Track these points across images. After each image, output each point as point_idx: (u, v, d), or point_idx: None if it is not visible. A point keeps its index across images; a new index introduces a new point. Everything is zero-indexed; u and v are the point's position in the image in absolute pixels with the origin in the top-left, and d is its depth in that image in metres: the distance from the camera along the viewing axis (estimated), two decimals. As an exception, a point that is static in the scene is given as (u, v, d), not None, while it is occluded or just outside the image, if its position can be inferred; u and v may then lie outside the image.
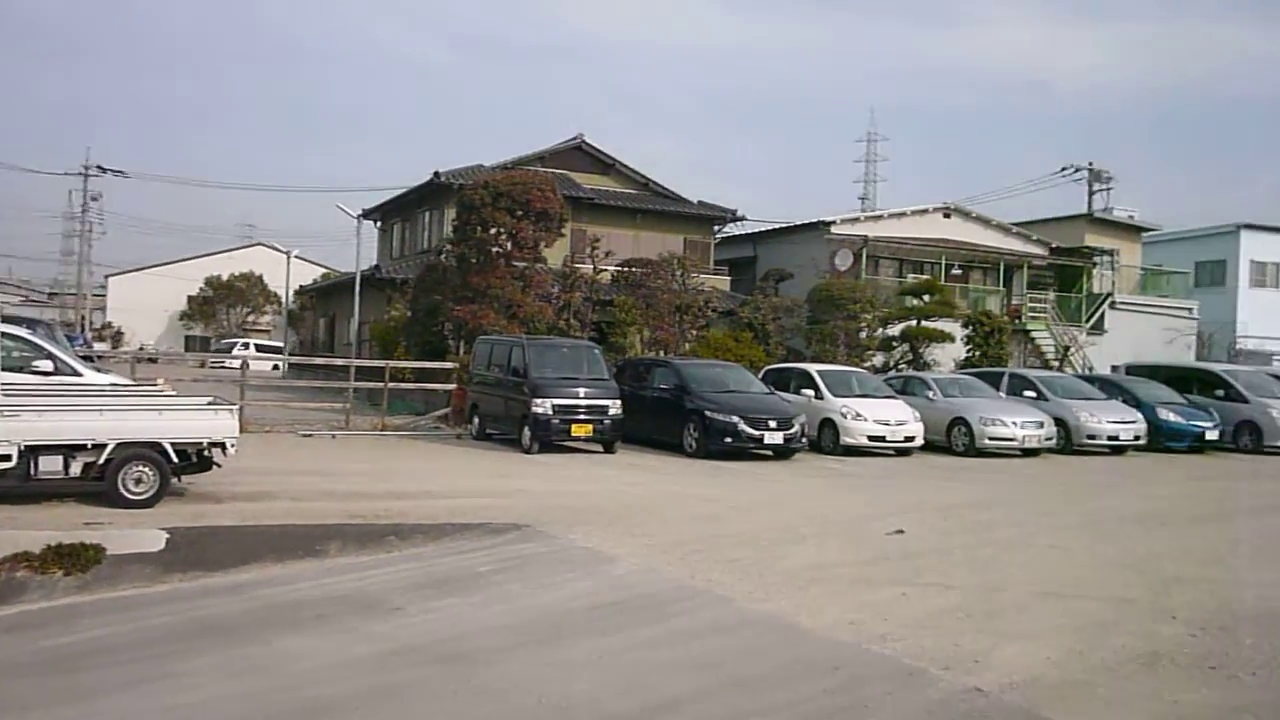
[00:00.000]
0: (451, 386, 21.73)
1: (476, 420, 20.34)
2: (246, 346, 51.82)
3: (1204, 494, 16.14)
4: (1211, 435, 23.62)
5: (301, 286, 50.61)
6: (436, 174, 30.71)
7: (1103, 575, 9.46)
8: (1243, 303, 45.72)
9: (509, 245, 24.07)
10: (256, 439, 17.30)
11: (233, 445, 11.40)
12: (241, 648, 6.51)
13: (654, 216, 33.37)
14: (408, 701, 5.67)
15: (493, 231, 23.82)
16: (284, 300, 54.95)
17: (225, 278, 69.56)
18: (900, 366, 29.65)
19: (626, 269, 28.29)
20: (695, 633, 7.13)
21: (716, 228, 35.87)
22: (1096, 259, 39.53)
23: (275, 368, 42.96)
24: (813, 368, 22.36)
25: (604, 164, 34.56)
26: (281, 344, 53.51)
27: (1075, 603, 8.29)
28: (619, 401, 18.64)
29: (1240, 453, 24.04)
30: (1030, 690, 6.07)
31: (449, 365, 22.46)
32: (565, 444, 18.65)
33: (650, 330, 27.15)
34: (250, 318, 70.03)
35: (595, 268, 27.24)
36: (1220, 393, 25.36)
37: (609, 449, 18.68)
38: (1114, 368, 30.71)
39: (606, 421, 18.43)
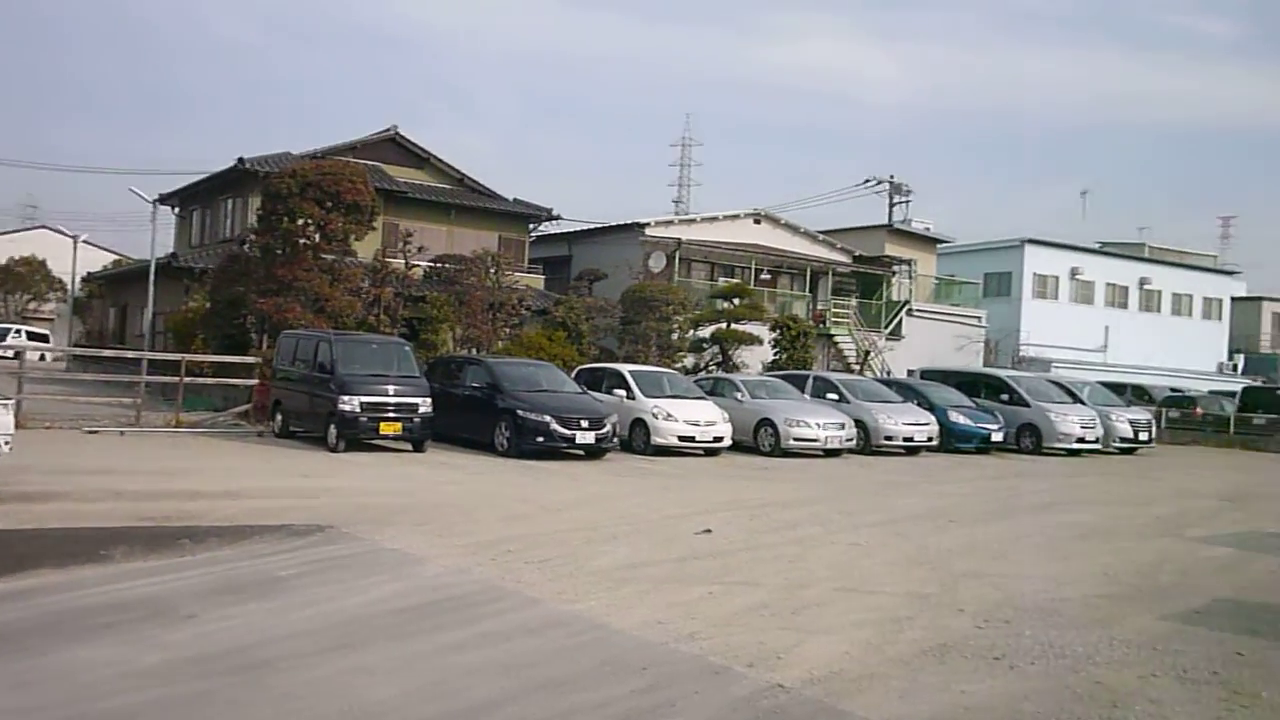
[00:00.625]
0: (253, 382, 20.87)
1: (280, 417, 19.62)
2: (19, 334, 48.35)
3: (990, 493, 17.09)
4: (997, 437, 25.08)
5: (90, 274, 47.71)
6: (241, 160, 29.49)
7: (898, 571, 9.87)
8: (1026, 312, 48.80)
9: (317, 237, 23.35)
10: (36, 436, 16.18)
11: (7, 443, 10.61)
12: (21, 659, 6.05)
13: (469, 213, 32.99)
14: (201, 713, 5.39)
15: (300, 222, 23.05)
16: (70, 287, 51.66)
17: (3, 261, 64.84)
18: (710, 368, 30.29)
19: (440, 265, 27.88)
20: (505, 634, 7.05)
21: (532, 226, 35.78)
22: (896, 268, 41.40)
23: (42, 357, 40.08)
24: (625, 368, 22.57)
25: (419, 157, 33.95)
26: (47, 331, 50.38)
27: (873, 598, 8.62)
28: (429, 399, 18.32)
29: (1022, 453, 25.62)
30: (829, 684, 6.25)
31: (251, 360, 21.57)
32: (373, 442, 18.21)
33: (463, 328, 26.84)
34: (31, 305, 65.53)
35: (407, 263, 26.72)
36: (1005, 397, 26.96)
37: (419, 448, 18.34)
38: (910, 372, 32.23)
39: (416, 420, 18.09)
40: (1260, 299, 63.14)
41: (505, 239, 33.21)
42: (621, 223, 36.52)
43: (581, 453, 18.85)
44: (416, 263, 27.08)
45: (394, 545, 9.81)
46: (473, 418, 19.42)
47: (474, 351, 25.68)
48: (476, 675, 6.16)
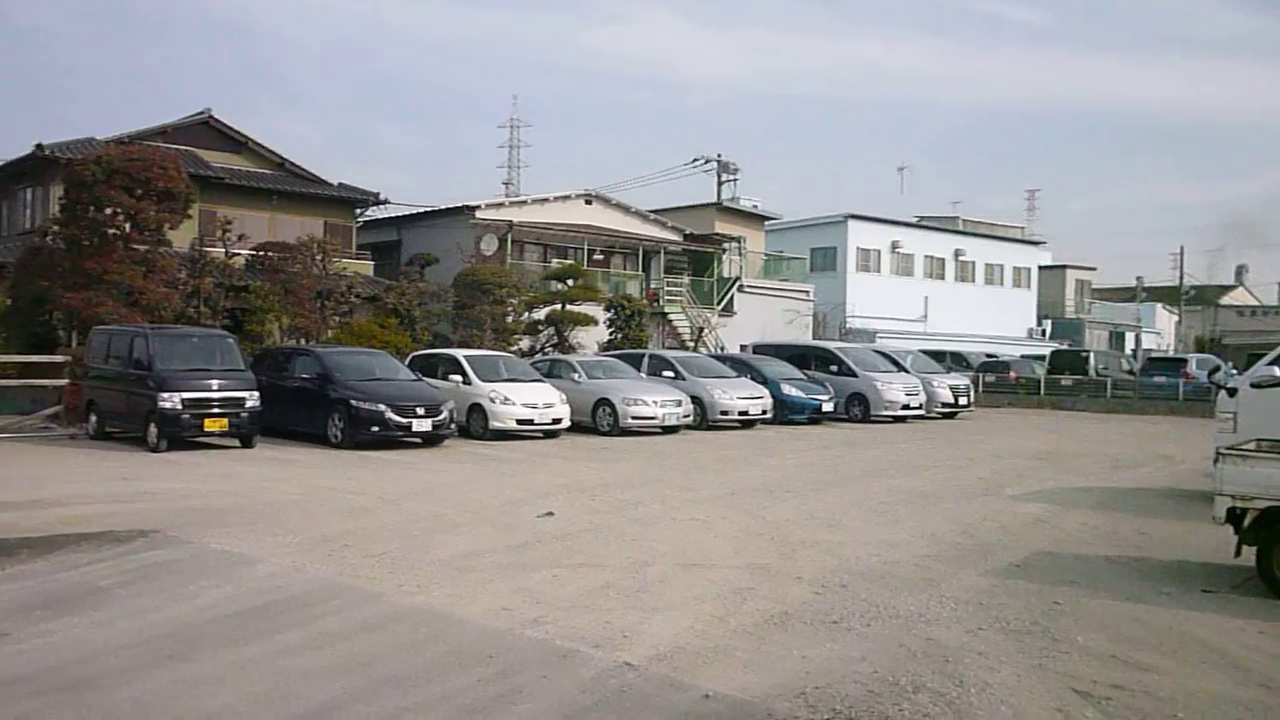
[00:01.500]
0: (64, 382, 19.66)
1: (94, 418, 18.58)
2: None
3: (823, 462, 17.59)
4: (828, 407, 25.84)
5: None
6: (39, 146, 27.68)
7: (739, 544, 10.05)
8: (851, 285, 50.37)
9: (127, 227, 22.11)
10: None
11: None
12: None
13: (292, 199, 31.87)
14: (14, 740, 5.05)
15: (108, 211, 21.78)
16: None
17: None
18: (547, 350, 30.18)
19: (262, 253, 26.83)
20: (345, 633, 6.85)
21: (359, 211, 34.83)
22: (726, 245, 42.06)
23: None
24: (460, 353, 22.27)
25: (236, 142, 32.57)
26: None
27: (715, 572, 8.75)
28: (256, 393, 17.65)
29: (852, 422, 26.47)
30: (676, 660, 6.32)
31: (60, 359, 20.30)
32: (198, 440, 17.44)
33: (290, 318, 25.95)
34: None
35: (228, 251, 25.66)
36: (834, 368, 27.80)
37: (247, 444, 17.67)
38: (743, 347, 32.84)
39: (243, 414, 17.41)
40: (1064, 267, 66.91)
41: (331, 225, 32.19)
42: (451, 206, 35.96)
43: (419, 441, 18.52)
44: (237, 251, 26.02)
45: (223, 547, 9.42)
46: (304, 410, 18.83)
47: (303, 342, 24.87)
48: (316, 677, 5.96)
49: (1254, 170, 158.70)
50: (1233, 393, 13.37)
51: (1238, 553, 8.45)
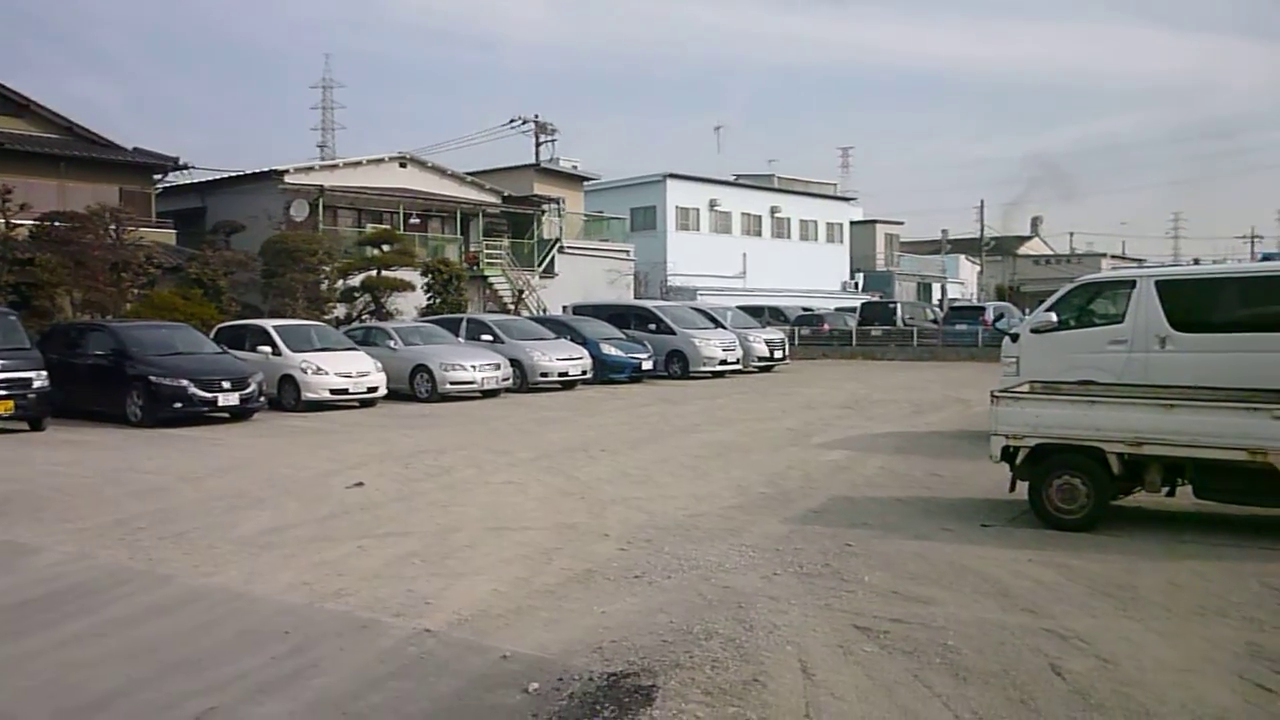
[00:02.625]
0: None
1: None
2: None
3: (640, 420, 17.84)
4: (647, 365, 26.18)
5: None
6: None
7: (550, 505, 10.13)
8: (671, 244, 51.00)
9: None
10: None
11: None
12: None
13: (82, 165, 30.00)
14: None
15: None
16: None
17: None
18: (364, 317, 29.52)
19: (50, 224, 25.23)
20: (133, 619, 6.61)
21: (158, 177, 33.08)
22: (545, 207, 41.89)
23: None
24: (269, 323, 21.54)
25: (16, 105, 30.39)
26: None
27: (523, 534, 8.80)
28: (44, 372, 16.66)
29: (671, 379, 26.92)
30: (478, 623, 6.35)
31: None
32: (-19, 425, 16.40)
33: (83, 291, 24.55)
34: None
35: (9, 222, 24.05)
36: (653, 326, 28.16)
37: (37, 426, 16.72)
38: (565, 308, 32.89)
39: (30, 396, 16.41)
40: (874, 222, 69.38)
41: (128, 193, 30.46)
42: (258, 171, 34.55)
43: (226, 416, 17.89)
44: (20, 222, 24.41)
45: (4, 537, 8.92)
46: (100, 389, 17.91)
47: (98, 317, 23.56)
48: (100, 666, 5.74)
49: (1050, 126, 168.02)
50: (1015, 338, 14.20)
51: (1012, 488, 9.03)
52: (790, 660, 5.56)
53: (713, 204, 54.42)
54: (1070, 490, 8.59)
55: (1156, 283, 12.80)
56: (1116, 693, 5.07)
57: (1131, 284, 13.11)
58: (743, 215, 56.43)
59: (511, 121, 49.61)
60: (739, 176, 60.97)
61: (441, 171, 38.67)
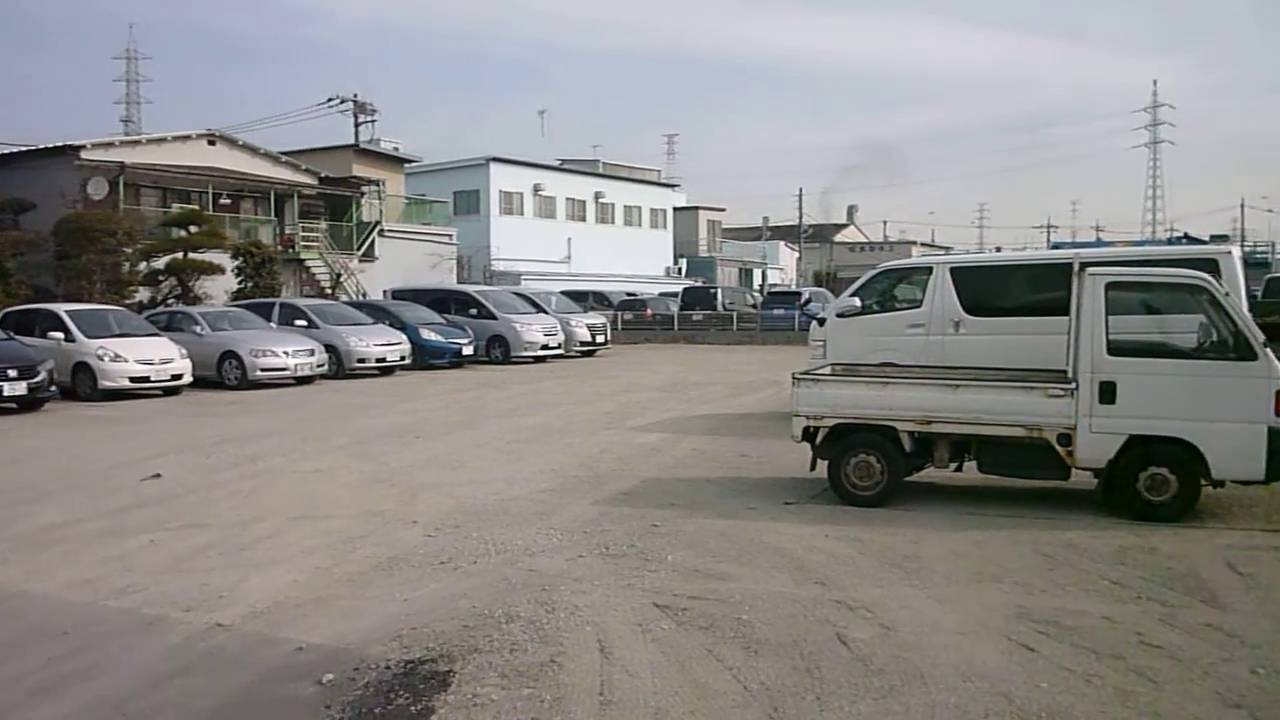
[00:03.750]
0: None
1: None
2: None
3: (458, 405, 17.66)
4: (468, 350, 25.92)
5: None
6: None
7: (359, 492, 9.94)
8: (495, 228, 50.61)
9: None
10: None
11: None
12: None
13: None
14: None
15: None
16: None
17: None
18: (170, 302, 28.20)
19: None
20: (-108, 624, 6.16)
21: (-65, 151, 30.77)
22: (365, 189, 40.85)
23: None
24: (62, 308, 20.30)
25: None
26: None
27: (329, 522, 8.61)
28: None
29: (493, 364, 26.73)
30: (274, 615, 6.19)
31: None
32: None
33: None
34: None
35: None
36: (474, 311, 27.90)
37: None
38: (385, 293, 32.21)
39: None
40: (697, 208, 70.51)
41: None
42: (51, 145, 32.42)
43: (14, 406, 16.81)
44: None
45: None
46: None
47: None
48: None
49: (867, 118, 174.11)
50: (823, 322, 14.70)
51: (813, 466, 9.35)
52: (589, 640, 5.62)
53: (537, 189, 54.23)
54: (866, 468, 8.97)
55: (951, 270, 13.46)
56: (896, 658, 5.33)
57: (929, 271, 13.74)
58: (567, 200, 56.46)
59: (329, 100, 48.25)
60: (564, 161, 60.96)
61: (254, 150, 37.20)
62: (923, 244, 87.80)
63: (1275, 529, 8.13)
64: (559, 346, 28.15)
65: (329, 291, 34.63)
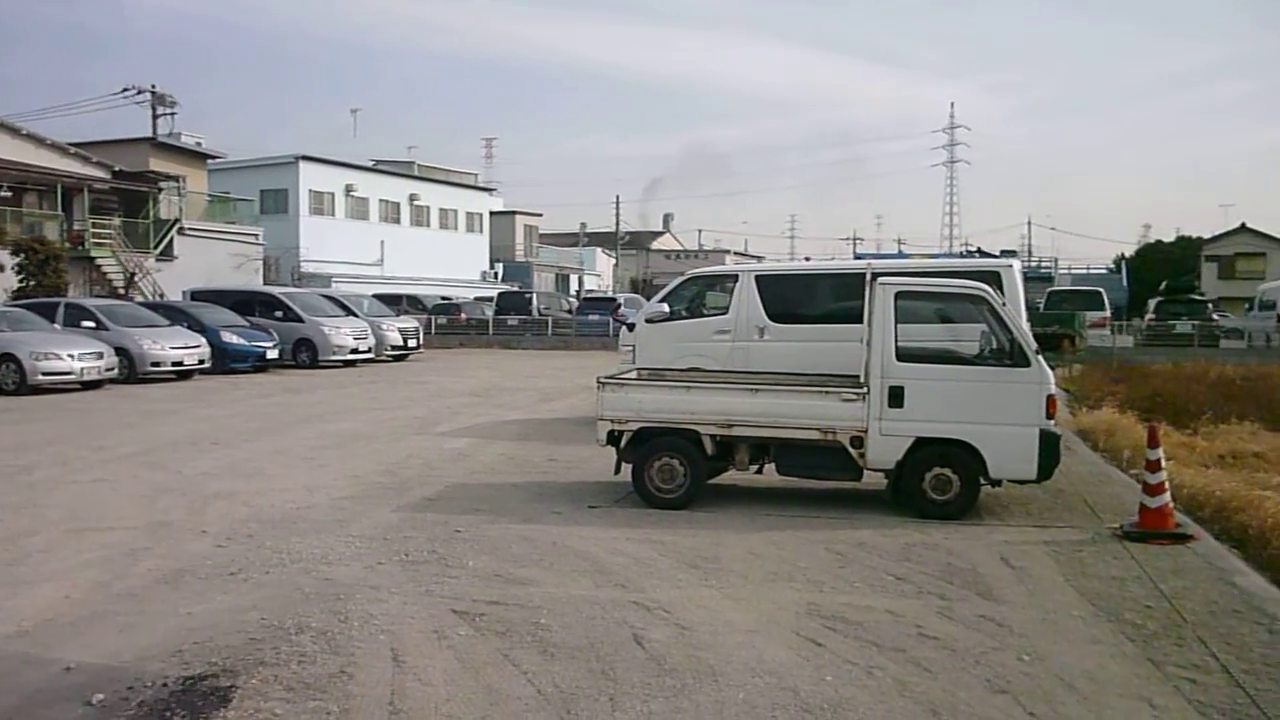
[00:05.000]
0: None
1: None
2: None
3: (260, 411, 17.02)
4: (272, 354, 25.02)
5: None
6: None
7: (145, 503, 9.44)
8: (304, 229, 49.09)
9: None
10: None
11: None
12: None
13: None
14: None
15: None
16: None
17: None
18: (-61, 301, 26.19)
19: None
20: None
21: None
22: (163, 184, 38.94)
23: None
24: None
25: None
26: None
27: (110, 534, 8.14)
28: None
29: (300, 368, 25.89)
30: (42, 634, 5.81)
31: None
32: None
33: None
34: None
35: None
36: (279, 314, 26.95)
37: None
38: (185, 294, 30.78)
39: None
40: (515, 213, 70.27)
41: None
42: None
43: None
44: None
45: None
46: None
47: None
48: None
49: (685, 129, 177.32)
50: (632, 327, 14.85)
51: (618, 470, 9.44)
52: (382, 649, 5.50)
53: (349, 189, 52.91)
54: (669, 470, 9.11)
55: (756, 277, 13.83)
56: (689, 657, 5.42)
57: (735, 278, 14.07)
58: (381, 202, 55.30)
59: (125, 90, 45.68)
60: (378, 162, 59.74)
61: (39, 140, 34.98)
62: (737, 253, 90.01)
63: (1045, 525, 8.67)
64: (369, 350, 27.51)
65: (122, 292, 32.86)
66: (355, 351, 26.90)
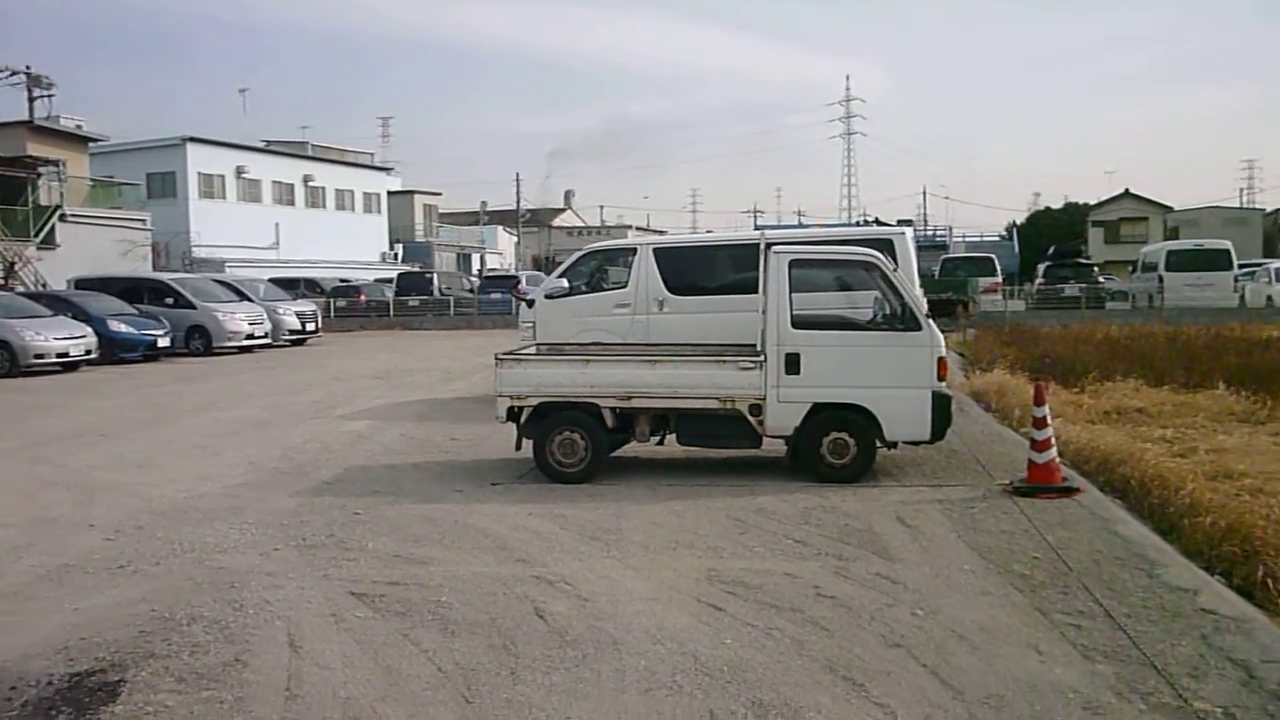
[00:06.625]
0: None
1: None
2: None
3: (151, 400, 16.53)
4: (164, 342, 24.29)
5: None
6: None
7: (27, 498, 9.13)
8: (194, 213, 47.70)
9: None
10: None
11: None
12: None
13: None
14: None
15: None
16: None
17: None
18: None
19: None
20: None
21: None
22: (42, 169, 37.42)
23: None
24: None
25: None
26: None
27: (-12, 532, 7.84)
28: None
29: (193, 356, 25.20)
30: (-86, 638, 5.57)
31: None
32: None
33: None
34: None
35: None
36: (170, 300, 26.19)
37: None
38: (70, 282, 29.69)
39: None
40: (413, 192, 69.33)
41: None
42: None
43: None
44: None
45: None
46: None
47: None
48: None
49: (587, 104, 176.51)
50: (532, 304, 14.77)
51: (519, 446, 9.40)
52: (278, 635, 5.40)
53: (240, 171, 51.54)
54: (570, 445, 9.09)
55: (654, 250, 13.85)
56: (591, 627, 5.43)
57: (633, 252, 14.08)
58: (274, 184, 54.00)
59: (-2, 72, 43.72)
60: (270, 143, 58.26)
61: (-95, 125, 33.35)
62: (639, 228, 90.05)
63: (939, 484, 8.88)
64: (266, 336, 26.92)
65: (1, 282, 31.55)
66: (251, 337, 26.29)
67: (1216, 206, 69.58)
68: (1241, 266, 34.03)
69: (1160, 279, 32.58)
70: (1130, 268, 42.15)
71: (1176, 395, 12.52)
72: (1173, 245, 37.73)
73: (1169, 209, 69.48)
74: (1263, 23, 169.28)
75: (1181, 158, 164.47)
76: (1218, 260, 32.16)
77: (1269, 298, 31.65)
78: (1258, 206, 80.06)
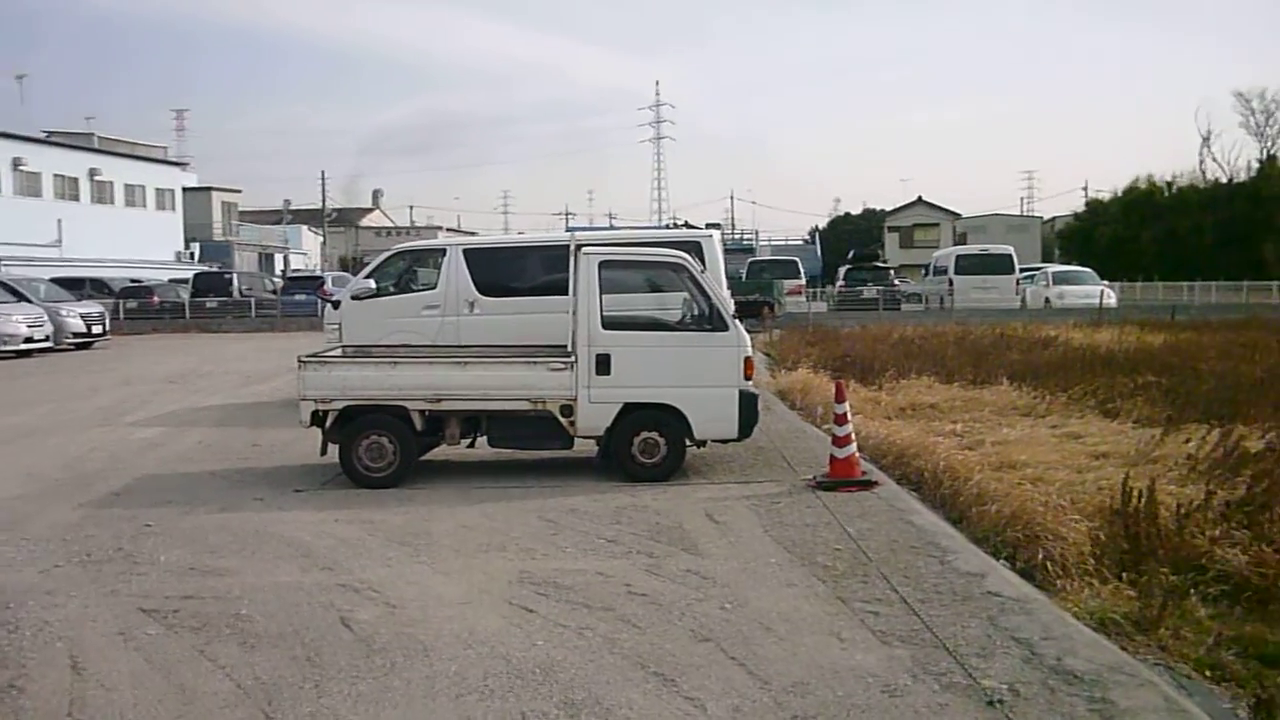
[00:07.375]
0: None
1: None
2: None
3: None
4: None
5: None
6: None
7: None
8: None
9: None
10: None
11: None
12: None
13: None
14: None
15: None
16: None
17: None
18: None
19: None
20: None
21: None
22: None
23: None
24: None
25: None
26: None
27: None
28: None
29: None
30: None
31: None
32: None
33: None
34: None
35: None
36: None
37: None
38: None
39: None
40: (210, 189, 66.37)
41: None
42: None
43: None
44: None
45: None
46: None
47: None
48: None
49: (394, 103, 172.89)
50: (337, 305, 14.36)
51: (324, 451, 9.11)
52: (59, 658, 5.05)
53: (17, 163, 48.10)
54: (378, 449, 8.87)
55: (464, 251, 13.69)
56: (399, 634, 5.30)
57: (443, 252, 13.88)
58: (56, 177, 50.68)
59: None
60: (51, 133, 54.70)
61: None
62: (449, 229, 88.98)
63: (747, 480, 9.09)
64: (47, 339, 25.20)
65: None
66: (30, 340, 24.55)
67: (1000, 214, 74.07)
68: (1023, 270, 36.29)
69: (950, 282, 34.44)
70: (923, 271, 44.37)
71: (965, 391, 13.21)
72: (961, 250, 39.92)
73: (958, 215, 73.53)
74: (1033, 38, 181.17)
75: (968, 167, 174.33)
76: (1001, 265, 34.24)
77: (1047, 299, 33.86)
78: (1036, 214, 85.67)
